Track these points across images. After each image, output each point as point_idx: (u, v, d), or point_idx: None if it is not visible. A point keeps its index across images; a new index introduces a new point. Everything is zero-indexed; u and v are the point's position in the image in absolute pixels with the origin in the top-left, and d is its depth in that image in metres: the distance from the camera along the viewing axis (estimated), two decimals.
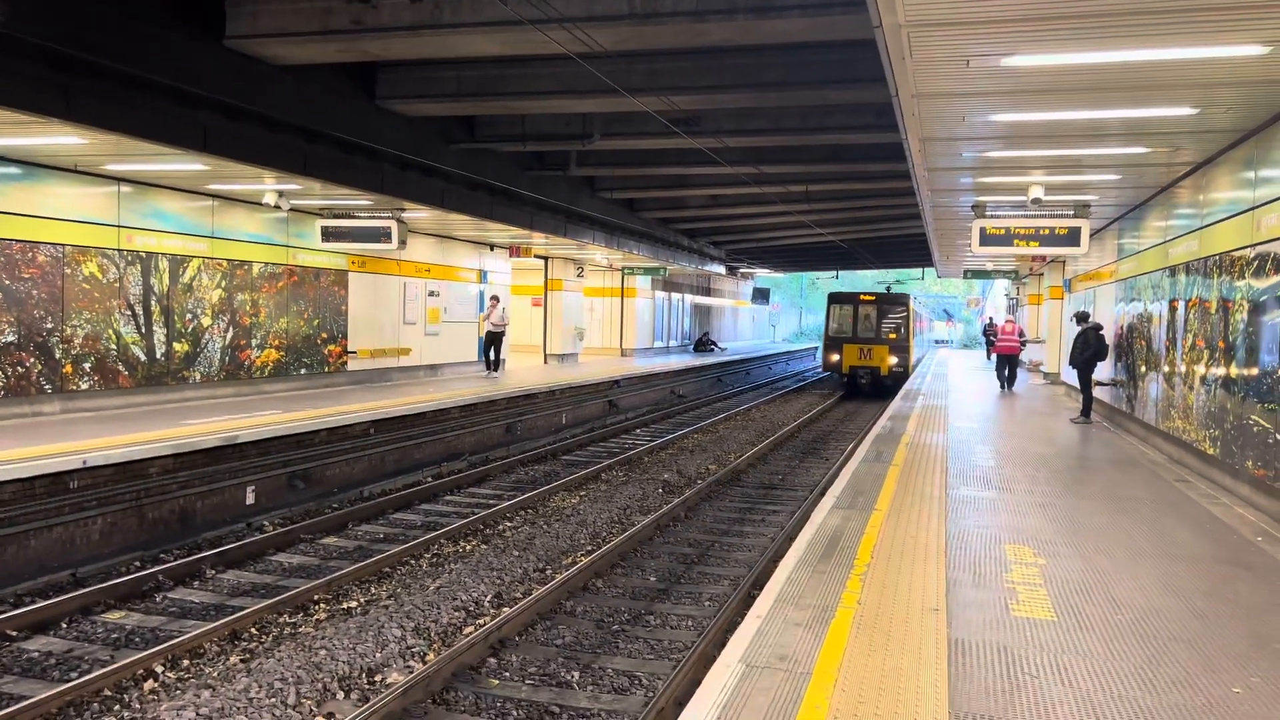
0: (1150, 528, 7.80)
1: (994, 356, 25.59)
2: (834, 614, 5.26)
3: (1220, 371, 9.61)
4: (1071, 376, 16.72)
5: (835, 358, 30.77)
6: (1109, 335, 15.79)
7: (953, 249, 22.71)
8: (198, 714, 6.30)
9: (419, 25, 10.53)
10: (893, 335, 30.13)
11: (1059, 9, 5.64)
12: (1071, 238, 13.03)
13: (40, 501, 9.50)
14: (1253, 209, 8.83)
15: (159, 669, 7.14)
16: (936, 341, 66.09)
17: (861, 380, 30.22)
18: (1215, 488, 9.67)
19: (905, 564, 6.35)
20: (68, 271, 13.11)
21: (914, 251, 39.42)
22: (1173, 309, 11.82)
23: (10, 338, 12.32)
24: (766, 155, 19.07)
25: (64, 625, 8.20)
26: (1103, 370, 16.00)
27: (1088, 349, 15.27)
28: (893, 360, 29.81)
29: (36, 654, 7.53)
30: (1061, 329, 23.43)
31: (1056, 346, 24.21)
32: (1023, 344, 23.70)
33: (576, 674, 7.18)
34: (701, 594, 9.37)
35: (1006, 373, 22.29)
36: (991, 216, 13.31)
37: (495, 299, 23.13)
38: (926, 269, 49.64)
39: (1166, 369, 12.07)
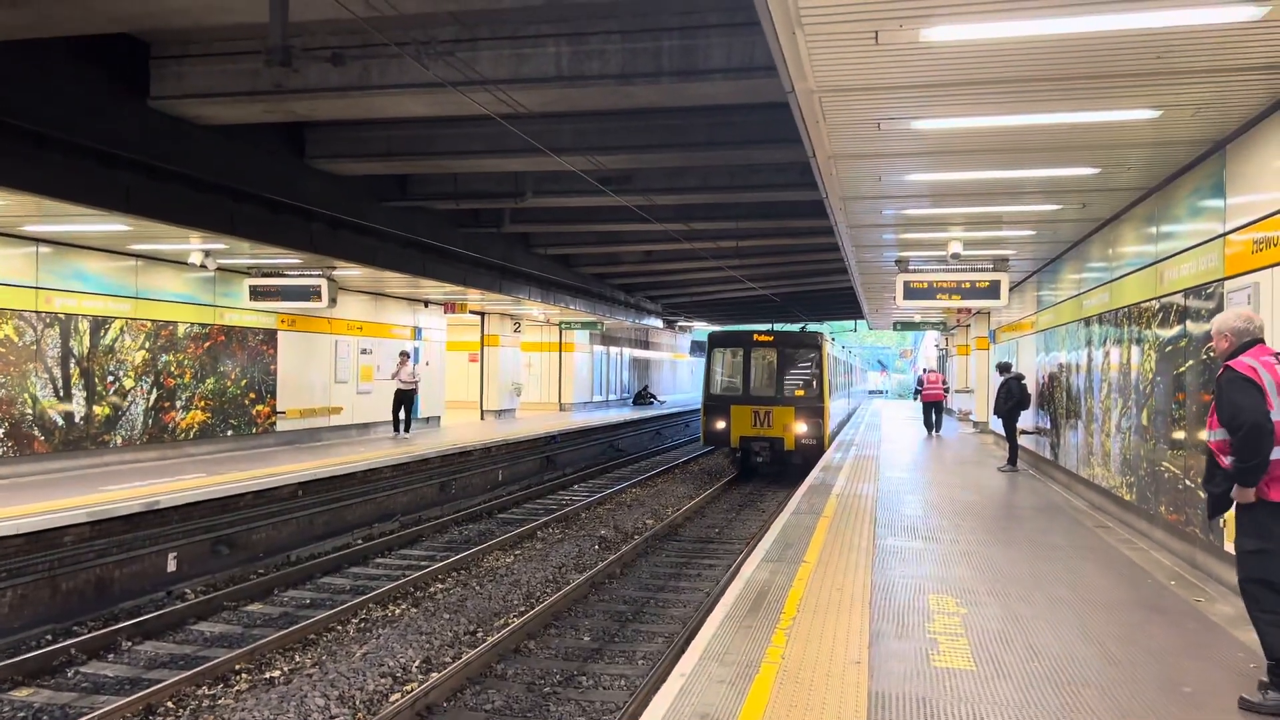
0: (1070, 574, 7.97)
1: (921, 404, 27.18)
2: (758, 669, 5.26)
3: (1133, 419, 9.93)
4: (999, 425, 17.10)
5: (720, 425, 21.30)
6: (1032, 384, 16.23)
7: (880, 302, 23.24)
8: None
9: (346, 87, 10.58)
10: (800, 392, 21.31)
11: (958, 76, 5.90)
12: (992, 291, 13.45)
13: None
14: (1155, 263, 9.22)
15: None
16: (871, 392, 67.07)
17: (757, 458, 21.40)
18: (1133, 533, 9.93)
19: (830, 616, 6.40)
20: None
21: (845, 305, 40.18)
22: (1089, 359, 12.21)
23: None
24: (697, 212, 19.38)
25: None
26: (1026, 419, 16.40)
27: (1010, 398, 15.66)
28: (801, 428, 20.76)
29: None
30: (989, 379, 24.01)
31: (984, 396, 24.76)
32: (946, 391, 27.42)
33: None
34: (635, 652, 9.29)
35: (933, 417, 24.64)
36: (914, 271, 13.69)
37: (405, 355, 21.49)
38: (859, 320, 50.59)
39: (1085, 417, 12.42)
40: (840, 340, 44.18)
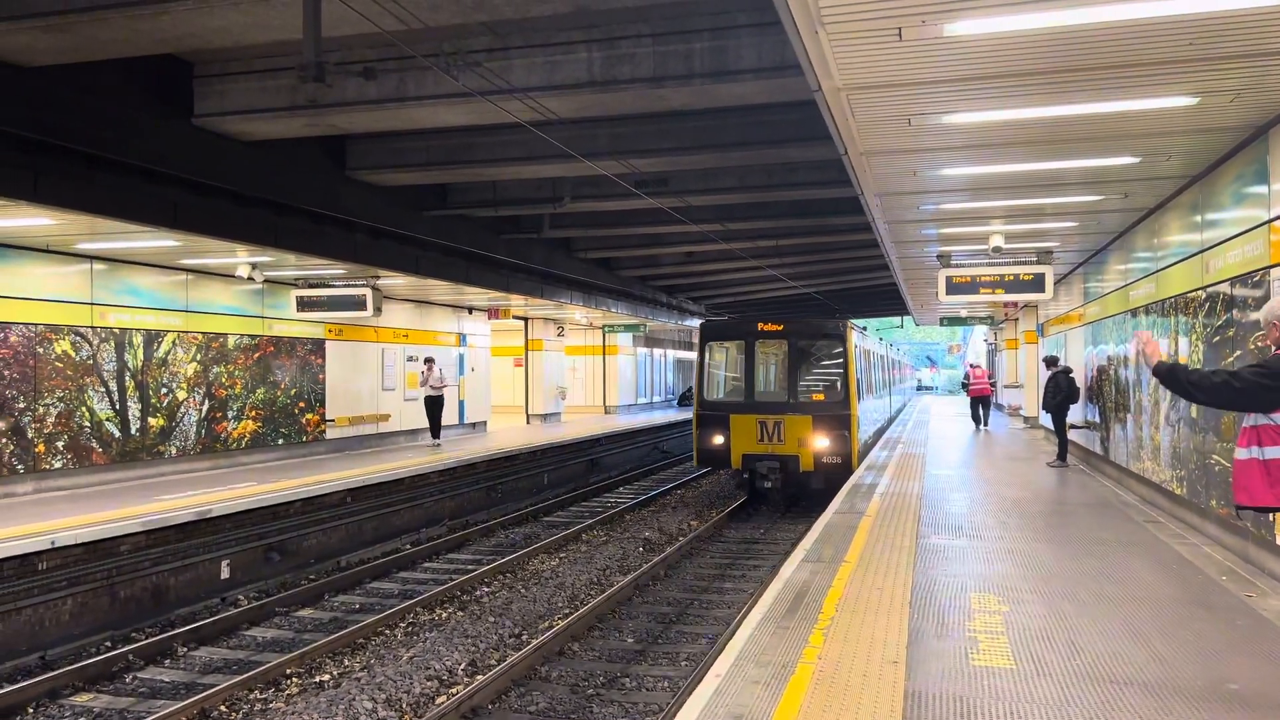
0: (1117, 570, 7.83)
1: (970, 399, 27.57)
2: (794, 670, 5.26)
3: (1182, 412, 9.73)
4: (1048, 420, 16.84)
5: (717, 441, 17.04)
6: (1081, 378, 15.95)
7: (925, 297, 23.00)
8: None
9: (382, 100, 10.76)
10: (819, 396, 17.11)
11: (986, 70, 5.84)
12: (1036, 284, 13.24)
13: (8, 584, 9.41)
14: (1201, 251, 9.03)
15: None
16: (920, 388, 66.33)
17: (765, 482, 16.81)
18: (1184, 528, 9.72)
19: (869, 616, 6.36)
20: (40, 351, 13.13)
21: (890, 301, 39.78)
22: (1137, 350, 11.96)
23: None
24: (735, 212, 19.35)
25: (31, 710, 8.08)
26: (1075, 413, 16.12)
27: (1059, 393, 15.40)
28: (821, 443, 16.41)
29: None
30: (1038, 373, 23.65)
31: (1034, 391, 24.39)
32: (993, 386, 28.06)
33: None
34: (679, 654, 9.32)
35: (980, 412, 25.35)
36: (956, 265, 13.53)
37: (430, 361, 20.84)
38: (905, 317, 50.06)
39: (1134, 410, 12.19)
40: (882, 334, 42.27)
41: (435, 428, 20.95)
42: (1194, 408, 9.31)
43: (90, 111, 10.76)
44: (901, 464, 16.06)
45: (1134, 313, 12.07)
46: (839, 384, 17.03)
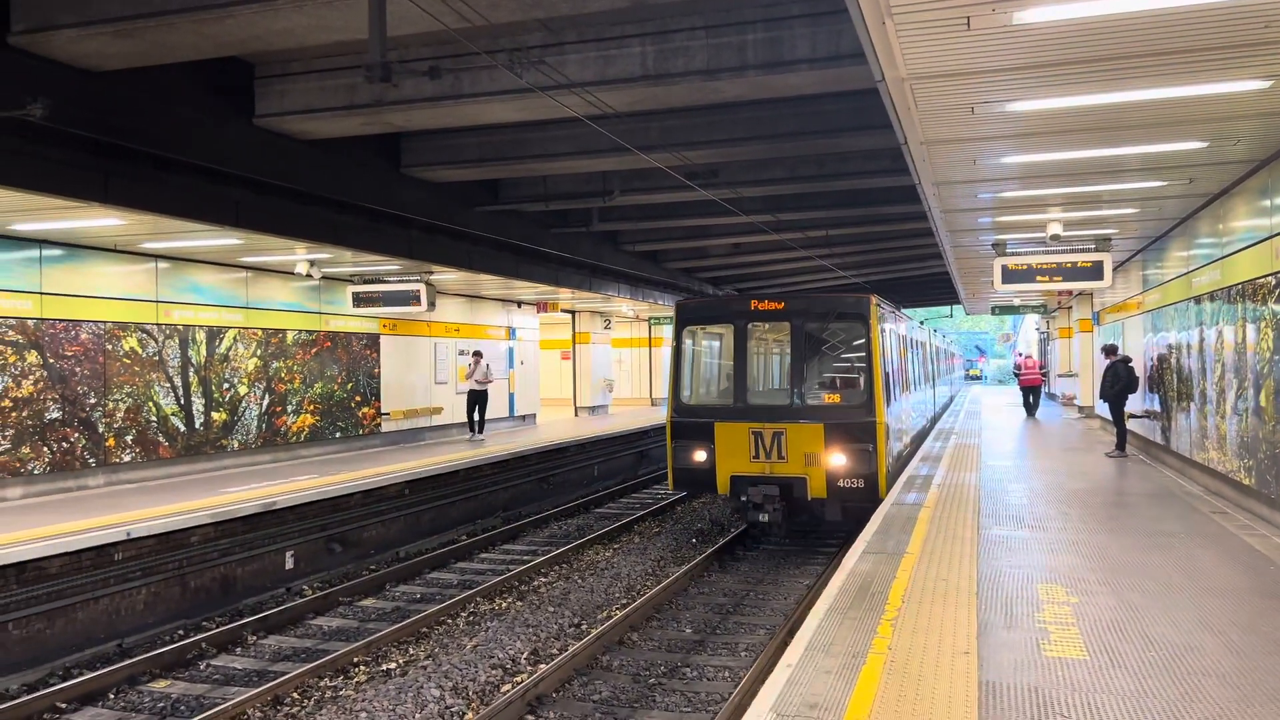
0: (1186, 562, 7.73)
1: (1021, 388, 28.27)
2: (865, 660, 5.29)
3: (1250, 400, 9.56)
4: (1105, 410, 16.60)
5: (697, 457, 13.06)
6: (1139, 367, 15.70)
7: (977, 286, 22.74)
8: None
9: (439, 97, 10.89)
10: (833, 397, 12.93)
11: (1053, 57, 5.79)
12: (1095, 271, 13.06)
13: (87, 574, 9.72)
14: (1271, 237, 8.85)
15: None
16: (969, 377, 65.52)
17: (761, 515, 12.69)
18: (1253, 519, 9.56)
19: (936, 607, 6.36)
20: (109, 347, 13.49)
21: (940, 290, 39.39)
22: (1200, 338, 11.77)
23: (55, 414, 12.67)
24: (785, 203, 19.28)
25: (111, 696, 8.35)
26: (1134, 402, 15.88)
27: (1118, 382, 15.17)
28: (837, 460, 12.33)
29: None
30: (1093, 362, 23.30)
31: (1089, 380, 24.02)
32: (1044, 375, 28.57)
33: None
34: (738, 644, 9.37)
35: (1031, 400, 26.47)
36: (1012, 254, 13.39)
37: (478, 354, 20.66)
38: (955, 306, 49.47)
39: (1198, 399, 11.98)
40: (931, 323, 40.80)
41: (476, 422, 20.78)
42: (1263, 396, 9.15)
43: (156, 114, 11.02)
44: (957, 455, 15.94)
45: (1197, 300, 11.86)
46: (861, 380, 12.69)
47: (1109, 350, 16.15)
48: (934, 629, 5.86)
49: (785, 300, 13.28)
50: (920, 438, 18.68)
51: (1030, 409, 26.40)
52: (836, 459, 12.22)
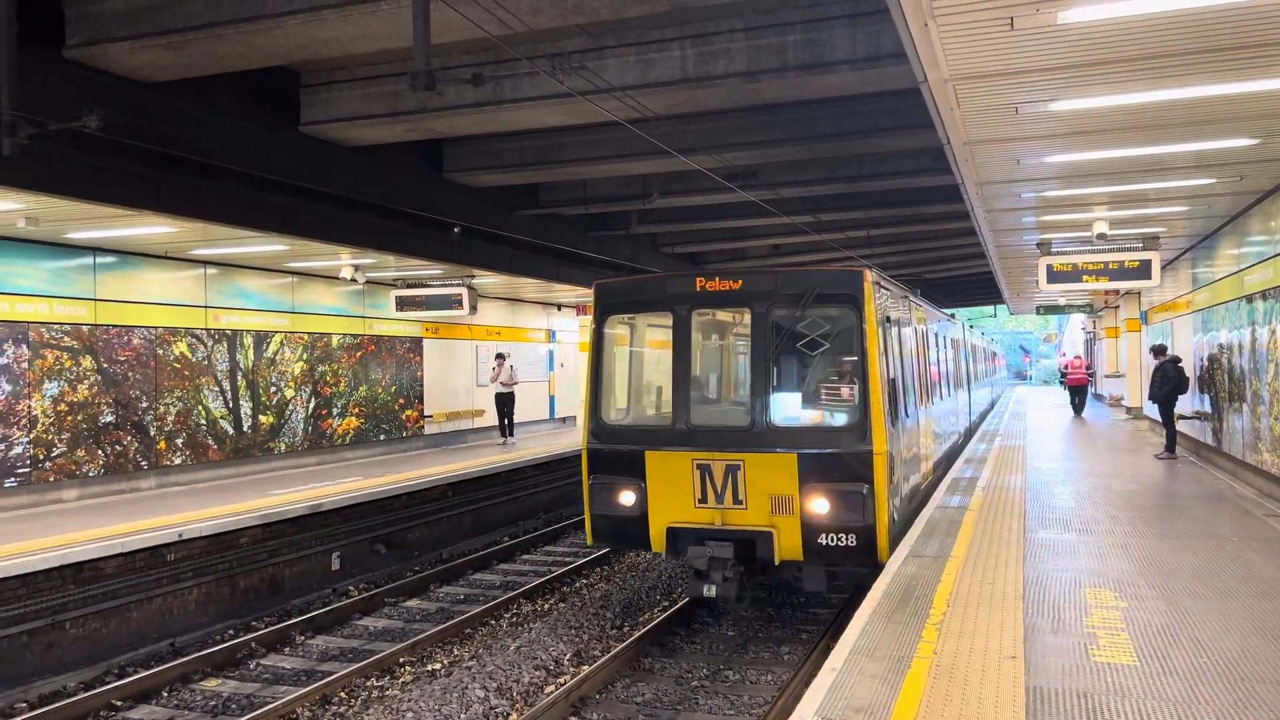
0: (1239, 566, 7.59)
1: (1067, 388, 28.94)
2: (910, 664, 5.26)
3: None
4: (1154, 411, 16.32)
5: (623, 500, 9.44)
6: (1189, 367, 15.42)
7: (1022, 286, 22.47)
8: None
9: (481, 103, 11.01)
10: (813, 416, 9.40)
11: (1098, 56, 5.73)
12: (1142, 271, 12.85)
13: (140, 574, 9.95)
14: None
15: None
16: (1016, 375, 64.72)
17: (708, 587, 8.80)
18: None
19: (982, 611, 6.31)
20: (160, 352, 13.79)
21: (984, 290, 38.92)
22: (1253, 338, 11.54)
23: (109, 418, 12.97)
24: (825, 203, 19.19)
25: (165, 694, 8.53)
26: (1184, 403, 15.59)
27: (1167, 383, 14.90)
28: (817, 506, 8.72)
29: None
30: (1141, 362, 22.91)
31: (1136, 380, 23.63)
32: (1090, 375, 29.06)
33: None
34: (780, 648, 9.34)
35: (1077, 401, 26.83)
36: (1058, 253, 13.22)
37: (500, 357, 20.37)
38: (999, 306, 48.89)
39: (1251, 400, 11.75)
40: (972, 322, 39.10)
41: (505, 425, 20.43)
42: None
43: (205, 123, 11.25)
44: (1001, 457, 15.76)
45: (1249, 299, 11.63)
46: (853, 391, 9.08)
47: (1158, 350, 15.87)
48: (980, 633, 5.81)
49: (744, 278, 9.43)
50: (950, 458, 15.55)
51: (1077, 409, 26.56)
52: (817, 504, 8.65)
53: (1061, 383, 35.95)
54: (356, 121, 11.92)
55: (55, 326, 12.26)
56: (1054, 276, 13.21)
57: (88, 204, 9.83)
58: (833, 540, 8.70)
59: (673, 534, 9.22)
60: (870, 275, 9.14)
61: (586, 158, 14.14)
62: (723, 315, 10.61)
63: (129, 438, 13.26)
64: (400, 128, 11.97)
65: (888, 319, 9.73)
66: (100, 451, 12.83)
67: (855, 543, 8.62)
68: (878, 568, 8.19)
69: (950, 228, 21.99)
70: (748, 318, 9.40)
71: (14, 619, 8.91)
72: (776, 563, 8.88)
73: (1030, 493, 11.66)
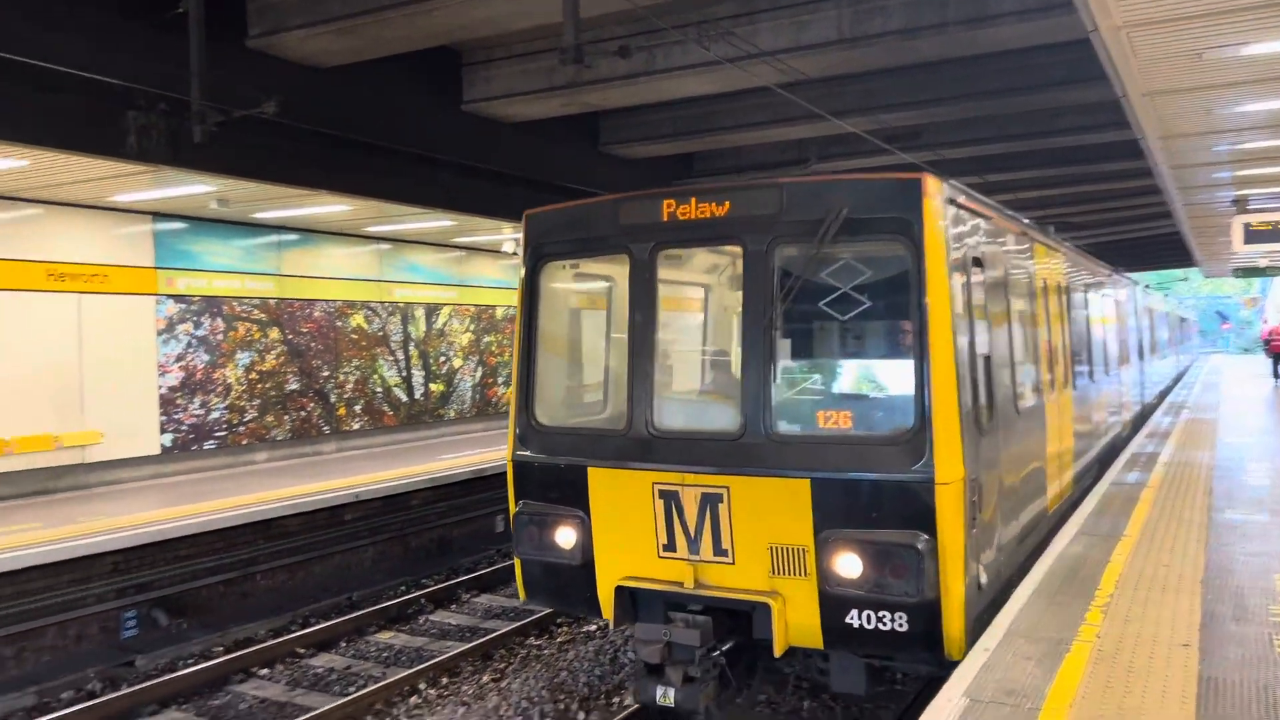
0: None
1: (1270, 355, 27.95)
2: (1069, 647, 5.02)
3: None
4: None
5: (560, 542, 6.30)
6: None
7: (1215, 247, 20.81)
8: None
9: (633, 74, 11.07)
10: (838, 417, 5.84)
11: None
12: None
13: (322, 532, 10.66)
14: None
15: (422, 686, 7.82)
16: (1211, 343, 60.20)
17: (660, 689, 5.70)
18: None
19: (1154, 595, 5.94)
20: (338, 324, 14.65)
21: (1173, 251, 36.23)
22: None
23: (294, 386, 13.91)
24: (993, 163, 18.29)
25: (343, 644, 9.14)
26: None
27: None
28: (846, 565, 5.42)
29: (321, 670, 8.45)
30: None
31: None
32: None
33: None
34: None
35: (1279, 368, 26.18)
36: (1255, 210, 12.19)
37: None
38: (1190, 269, 45.47)
39: None
40: (1165, 289, 34.75)
41: None
42: None
43: (374, 105, 11.80)
44: (1188, 430, 14.71)
45: None
46: (905, 376, 5.72)
47: None
48: (1150, 618, 5.47)
49: (732, 196, 6.07)
50: (1111, 453, 12.24)
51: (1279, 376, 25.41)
52: (844, 563, 5.50)
53: (1266, 351, 33.39)
54: (515, 98, 12.23)
55: (246, 300, 13.21)
56: (1252, 236, 12.20)
57: (269, 185, 10.50)
58: (870, 620, 5.47)
59: (626, 595, 6.12)
60: (935, 186, 5.66)
61: (739, 125, 14.03)
62: (704, 256, 7.31)
63: (312, 404, 14.19)
64: (556, 102, 12.19)
65: (974, 260, 6.26)
66: (287, 417, 13.79)
67: (906, 626, 5.39)
68: (940, 662, 5.43)
69: (1132, 185, 20.52)
70: (739, 259, 6.05)
71: (213, 569, 9.74)
72: (778, 652, 5.71)
73: (1219, 470, 10.84)
